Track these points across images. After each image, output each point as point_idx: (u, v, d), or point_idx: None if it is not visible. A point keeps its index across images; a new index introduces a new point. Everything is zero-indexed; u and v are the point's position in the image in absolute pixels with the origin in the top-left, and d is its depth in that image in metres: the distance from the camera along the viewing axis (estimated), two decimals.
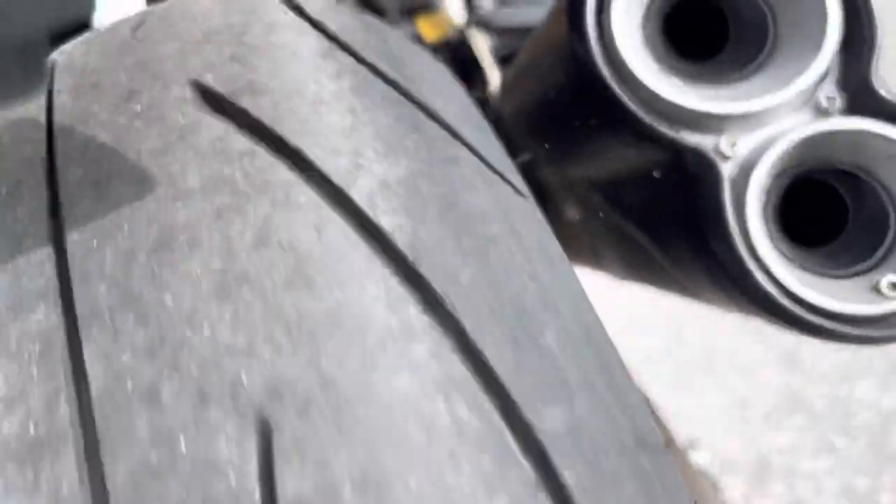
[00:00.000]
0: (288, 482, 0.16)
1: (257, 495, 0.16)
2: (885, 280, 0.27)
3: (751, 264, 0.26)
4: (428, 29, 0.61)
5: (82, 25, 0.25)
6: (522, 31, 0.63)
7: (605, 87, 0.28)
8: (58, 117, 0.23)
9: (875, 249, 0.28)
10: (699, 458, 0.48)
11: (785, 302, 0.26)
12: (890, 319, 0.26)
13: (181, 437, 0.17)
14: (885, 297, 0.26)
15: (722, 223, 0.27)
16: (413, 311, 0.19)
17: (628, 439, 0.19)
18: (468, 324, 0.19)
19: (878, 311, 0.26)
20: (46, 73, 0.23)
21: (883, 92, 0.27)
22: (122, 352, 0.18)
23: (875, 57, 0.27)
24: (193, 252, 0.19)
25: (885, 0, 0.31)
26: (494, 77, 0.57)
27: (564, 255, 0.25)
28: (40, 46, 0.21)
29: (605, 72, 0.28)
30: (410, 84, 0.26)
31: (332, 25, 0.26)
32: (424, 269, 0.19)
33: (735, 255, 0.26)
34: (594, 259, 0.53)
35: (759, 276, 0.26)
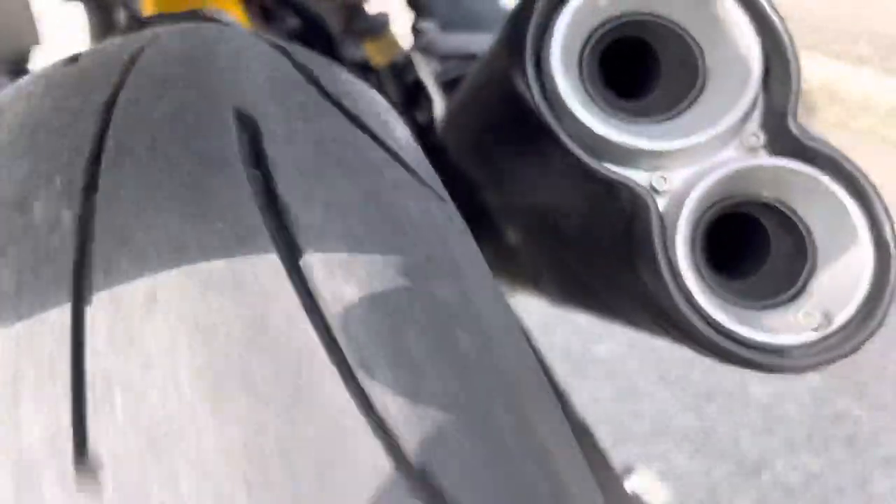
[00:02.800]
0: None
1: None
2: (803, 311, 0.28)
3: (676, 295, 0.27)
4: (375, 53, 0.62)
5: (21, 63, 0.24)
6: (467, 57, 0.65)
7: (542, 121, 0.29)
8: None
9: (795, 281, 0.29)
10: (634, 484, 0.49)
11: (708, 332, 0.27)
12: (807, 348, 0.28)
13: None
14: (803, 328, 0.28)
15: (650, 254, 0.28)
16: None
17: None
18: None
19: (795, 342, 0.28)
20: None
21: (797, 132, 0.29)
22: None
23: (792, 97, 0.29)
24: None
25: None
26: (438, 101, 0.58)
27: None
28: None
29: (543, 106, 0.29)
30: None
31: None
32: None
33: (662, 284, 0.27)
34: (534, 285, 0.54)
35: (684, 306, 0.27)
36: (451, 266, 0.24)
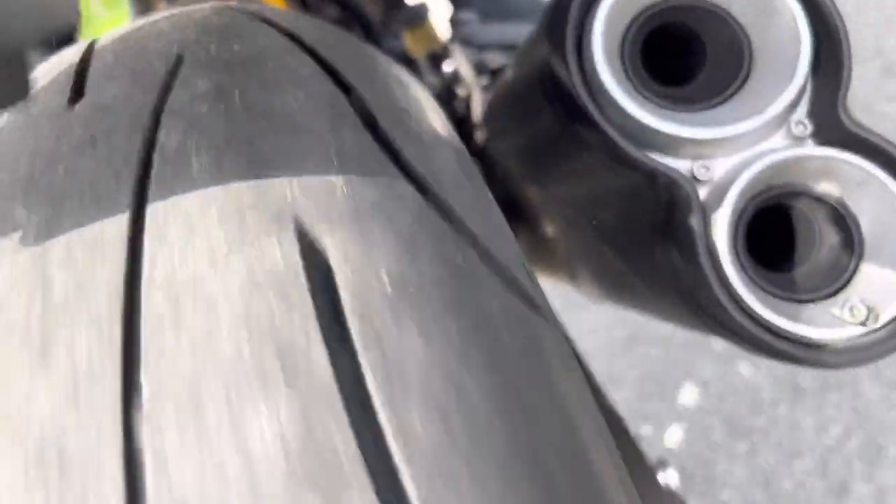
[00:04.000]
0: None
1: None
2: (848, 306, 0.28)
3: (717, 287, 0.27)
4: (414, 43, 0.62)
5: (68, 36, 0.25)
6: (506, 48, 0.64)
7: (583, 110, 0.29)
8: None
9: (840, 274, 0.28)
10: (668, 478, 0.48)
11: (749, 326, 0.27)
12: (851, 344, 0.27)
13: None
14: (846, 323, 0.27)
15: (691, 245, 0.27)
16: None
17: None
18: None
19: (838, 337, 0.27)
20: (27, 82, 0.23)
21: (847, 122, 0.28)
22: None
23: (843, 84, 0.28)
24: None
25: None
26: (477, 92, 0.58)
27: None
28: (25, 57, 0.21)
29: (583, 94, 0.29)
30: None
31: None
32: None
33: (702, 277, 0.27)
34: (571, 277, 0.54)
35: (725, 300, 0.26)
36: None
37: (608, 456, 0.22)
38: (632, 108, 0.28)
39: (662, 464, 0.51)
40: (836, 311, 0.28)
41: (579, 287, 0.53)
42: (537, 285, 0.25)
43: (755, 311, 0.27)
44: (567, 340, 0.25)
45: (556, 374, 0.22)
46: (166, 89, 0.24)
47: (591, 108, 0.29)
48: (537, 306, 0.23)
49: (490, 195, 0.28)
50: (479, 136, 0.55)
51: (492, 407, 0.18)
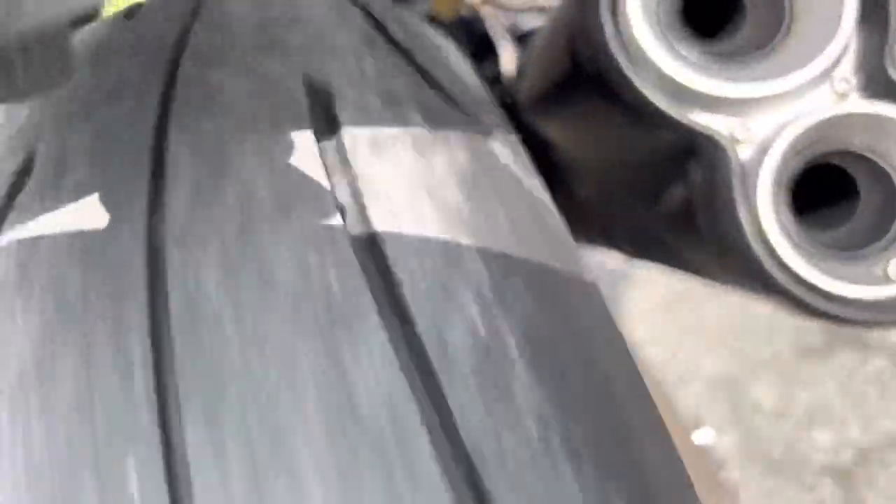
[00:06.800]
0: None
1: None
2: (893, 264, 0.27)
3: (758, 247, 0.26)
4: (443, 6, 0.61)
5: (94, 14, 0.25)
6: (539, 10, 0.63)
7: (618, 69, 0.28)
8: None
9: (884, 233, 0.28)
10: (701, 437, 0.48)
11: (791, 286, 0.26)
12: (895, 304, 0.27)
13: None
14: (893, 282, 0.27)
15: (731, 205, 0.27)
16: None
17: None
18: None
19: (885, 295, 0.26)
20: (68, 59, 0.23)
21: (894, 76, 0.27)
22: None
23: (890, 37, 0.27)
24: None
25: None
26: (507, 56, 0.57)
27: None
28: (60, 36, 0.22)
29: (618, 53, 0.28)
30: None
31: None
32: None
33: (743, 236, 0.27)
34: (606, 238, 0.54)
35: (767, 260, 0.26)
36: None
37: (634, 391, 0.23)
38: (670, 66, 0.28)
39: (696, 423, 0.51)
40: (881, 269, 0.27)
41: (614, 246, 0.53)
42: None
43: (798, 273, 0.26)
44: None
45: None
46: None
47: (626, 67, 0.28)
48: None
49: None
50: (511, 100, 0.55)
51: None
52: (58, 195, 0.22)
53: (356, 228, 0.22)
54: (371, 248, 0.22)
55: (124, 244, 0.21)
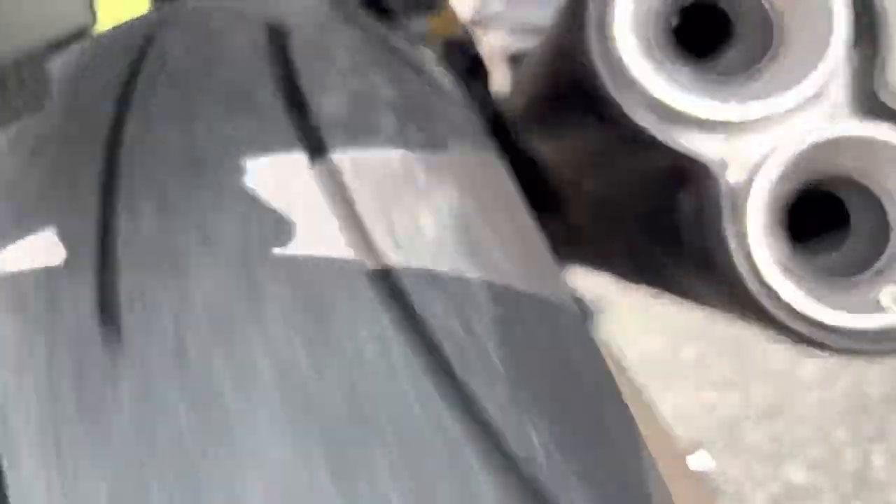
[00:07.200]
0: None
1: None
2: (885, 292, 0.26)
3: (747, 275, 0.26)
4: (435, 27, 0.61)
5: (79, 35, 0.25)
6: (533, 30, 0.63)
7: (604, 89, 0.28)
8: None
9: (875, 260, 0.27)
10: (699, 462, 0.48)
11: (779, 313, 0.26)
12: (888, 333, 0.26)
13: None
14: (885, 311, 0.26)
15: (720, 230, 0.27)
16: None
17: None
18: None
19: (876, 325, 0.26)
20: (45, 84, 0.23)
21: (885, 98, 0.27)
22: None
23: (880, 59, 0.27)
24: None
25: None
26: (499, 76, 0.57)
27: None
28: (35, 62, 0.21)
29: (605, 74, 0.28)
30: None
31: None
32: None
33: (732, 264, 0.26)
34: (603, 263, 0.53)
35: (754, 287, 0.25)
36: None
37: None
38: (657, 89, 0.27)
39: (694, 446, 0.50)
40: (873, 298, 0.27)
41: (606, 270, 0.52)
42: None
43: (787, 301, 0.25)
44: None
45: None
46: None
47: (613, 90, 0.28)
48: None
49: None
50: (502, 121, 0.55)
51: None
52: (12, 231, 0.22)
53: (365, 260, 0.23)
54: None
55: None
